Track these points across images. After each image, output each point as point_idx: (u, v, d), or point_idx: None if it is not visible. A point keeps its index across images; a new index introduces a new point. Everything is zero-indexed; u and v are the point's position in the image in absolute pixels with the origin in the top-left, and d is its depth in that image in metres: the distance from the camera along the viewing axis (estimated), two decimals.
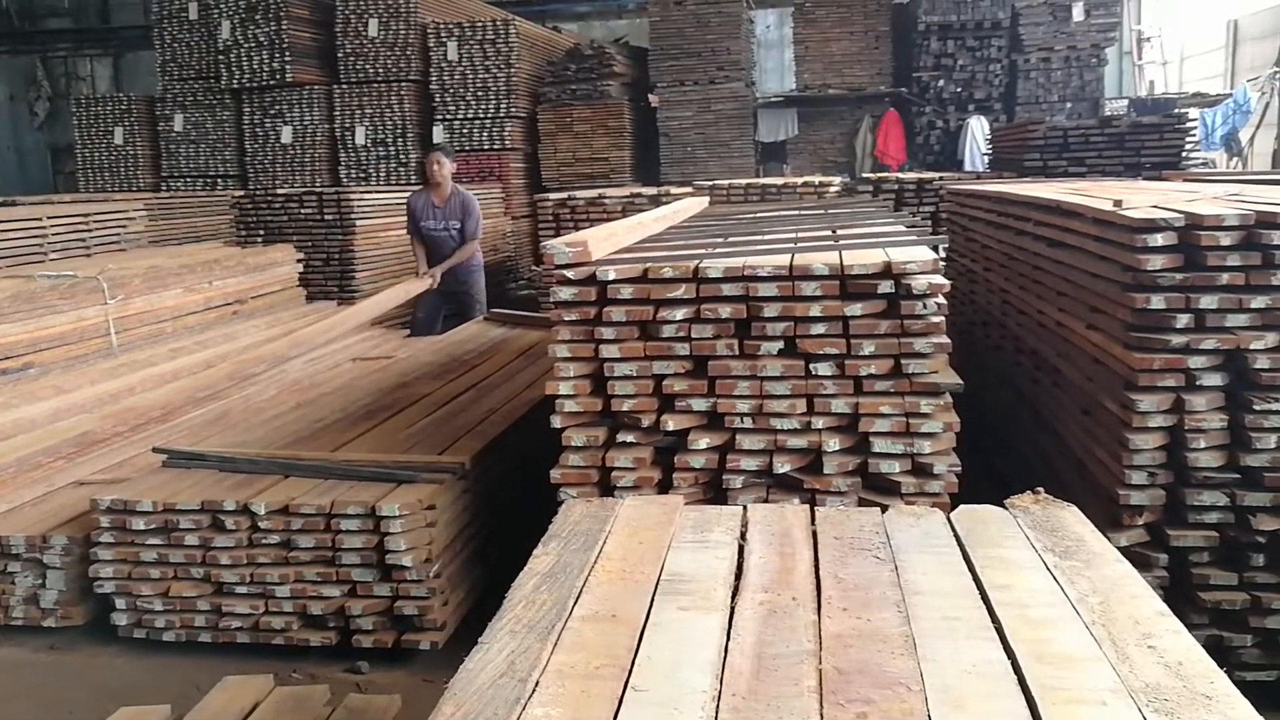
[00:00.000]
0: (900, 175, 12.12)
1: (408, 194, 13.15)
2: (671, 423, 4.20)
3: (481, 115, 16.58)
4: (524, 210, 15.97)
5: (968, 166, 16.42)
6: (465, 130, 16.54)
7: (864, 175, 12.84)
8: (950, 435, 4.10)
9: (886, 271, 4.05)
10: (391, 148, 16.83)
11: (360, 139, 16.88)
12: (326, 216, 11.82)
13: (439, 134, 16.55)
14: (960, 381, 4.11)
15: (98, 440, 6.33)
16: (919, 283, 4.02)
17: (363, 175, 16.93)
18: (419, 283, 9.90)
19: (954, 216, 8.64)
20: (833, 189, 11.02)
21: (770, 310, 4.09)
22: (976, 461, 5.76)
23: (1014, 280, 6.28)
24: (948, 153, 17.39)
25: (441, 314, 10.10)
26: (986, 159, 15.31)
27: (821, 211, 7.57)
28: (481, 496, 5.15)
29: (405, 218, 10.52)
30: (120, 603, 4.86)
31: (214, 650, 4.75)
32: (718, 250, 4.74)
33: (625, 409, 4.25)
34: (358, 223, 11.84)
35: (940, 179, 11.11)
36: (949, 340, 4.09)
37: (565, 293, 4.27)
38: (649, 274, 4.19)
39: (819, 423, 4.10)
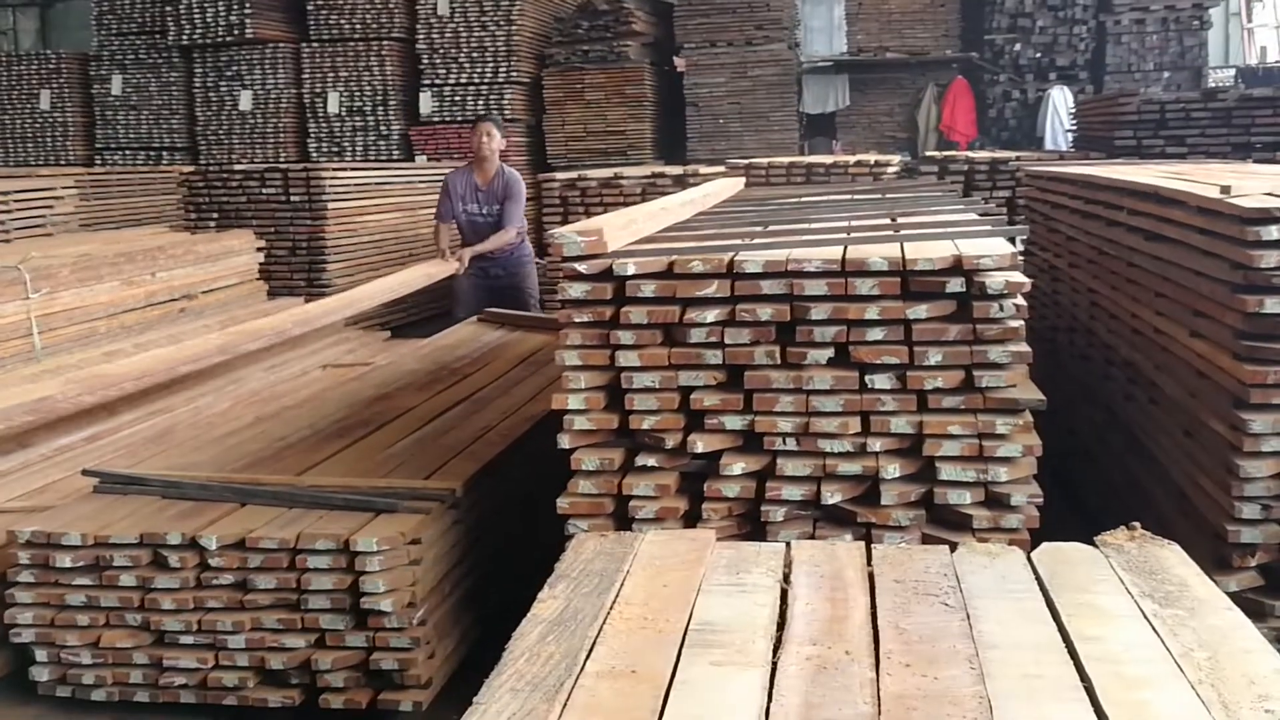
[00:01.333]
0: (970, 154, 12.13)
1: (388, 171, 13.24)
2: (701, 443, 4.20)
3: (476, 81, 16.65)
4: (527, 193, 16.02)
5: (1049, 145, 16.43)
6: (457, 98, 16.61)
7: (928, 154, 12.85)
8: (1030, 460, 4.10)
9: (956, 267, 4.05)
10: (370, 117, 16.90)
11: (333, 107, 16.95)
12: (293, 198, 11.85)
13: (427, 102, 16.62)
14: (1042, 397, 4.11)
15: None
16: (994, 280, 4.02)
17: (336, 149, 16.99)
18: (444, 266, 9.86)
19: (1033, 203, 8.64)
20: (891, 169, 11.04)
21: (818, 312, 4.09)
22: (1061, 491, 5.76)
23: (1104, 279, 6.28)
24: (1025, 128, 17.40)
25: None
26: (1070, 136, 15.31)
27: (878, 196, 7.57)
28: (475, 529, 5.15)
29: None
30: (41, 654, 4.80)
31: (153, 711, 4.70)
32: (756, 241, 4.75)
33: (646, 427, 4.25)
34: (330, 205, 11.87)
35: (1017, 159, 11.12)
36: (1029, 349, 4.09)
37: (576, 290, 4.28)
38: (675, 268, 4.20)
39: (876, 444, 4.10)
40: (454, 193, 10.03)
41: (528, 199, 14.20)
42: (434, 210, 10.42)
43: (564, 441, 4.33)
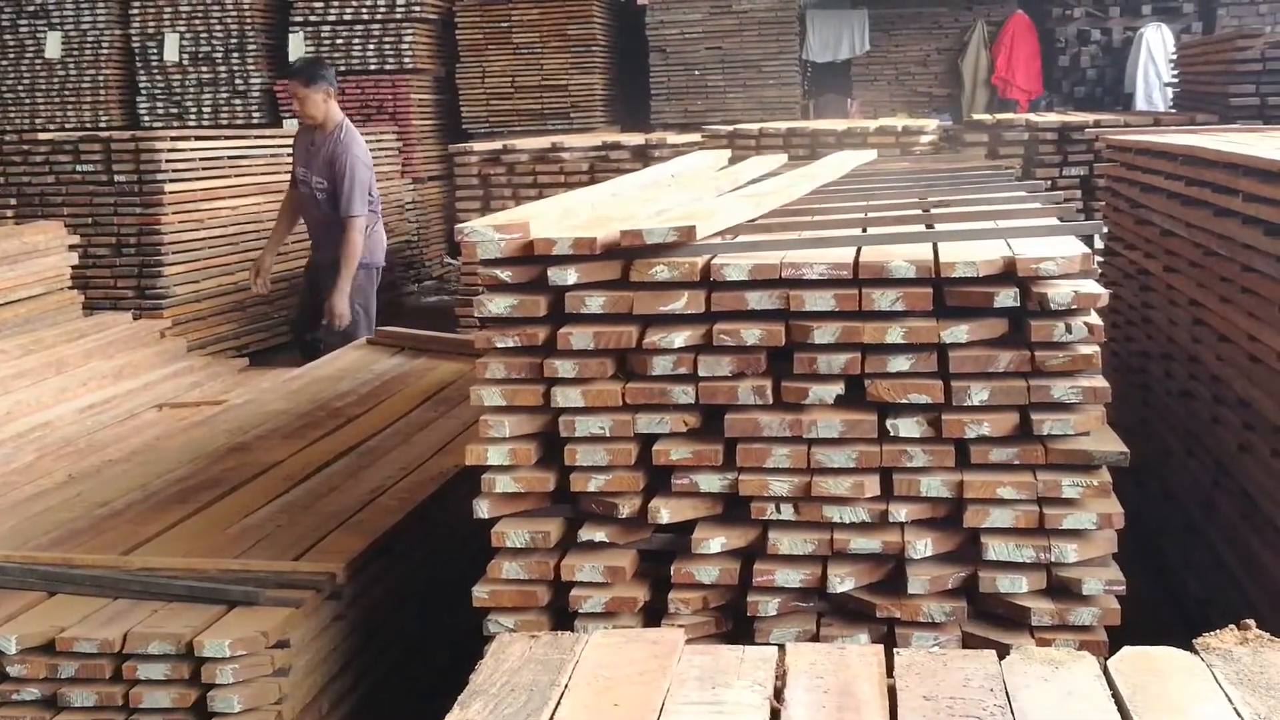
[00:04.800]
0: (1033, 117, 12.19)
1: (247, 141, 13.23)
2: (666, 511, 4.21)
3: (365, 18, 16.63)
4: (434, 169, 16.01)
5: (1140, 104, 16.51)
6: (340, 41, 16.60)
7: (975, 117, 12.91)
8: (1109, 535, 4.12)
9: (1008, 273, 4.08)
10: (221, 68, 16.86)
11: (171, 53, 16.92)
12: (117, 177, 11.81)
13: (298, 46, 16.60)
14: (1124, 449, 4.12)
15: None
16: (1060, 292, 4.04)
17: (175, 111, 16.95)
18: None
19: (1117, 186, 8.67)
20: (925, 139, 11.07)
21: (823, 334, 4.11)
22: (1152, 576, 5.79)
23: (1213, 288, 6.31)
24: (1109, 81, 17.48)
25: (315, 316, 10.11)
26: (1170, 92, 15.39)
27: (907, 175, 7.59)
28: (364, 626, 5.14)
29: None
30: None
31: None
32: (739, 238, 4.77)
33: (592, 489, 4.27)
34: (167, 187, 11.83)
35: (1096, 124, 11.16)
36: (1106, 384, 4.11)
37: (498, 304, 4.28)
38: (632, 274, 4.22)
39: (900, 512, 4.12)
40: (295, 151, 10.12)
41: (434, 176, 14.14)
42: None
43: (482, 510, 4.34)
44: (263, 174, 12.86)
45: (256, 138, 13.62)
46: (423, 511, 5.74)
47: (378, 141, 14.69)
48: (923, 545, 4.10)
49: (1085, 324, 4.08)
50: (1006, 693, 3.19)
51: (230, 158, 12.73)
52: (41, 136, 12.51)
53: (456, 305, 11.91)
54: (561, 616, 4.26)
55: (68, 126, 16.38)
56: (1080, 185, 10.53)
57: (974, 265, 4.08)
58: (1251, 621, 3.53)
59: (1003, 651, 3.50)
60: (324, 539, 5.36)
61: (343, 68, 16.46)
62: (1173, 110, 14.18)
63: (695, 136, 12.02)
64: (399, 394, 7.79)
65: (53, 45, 17.18)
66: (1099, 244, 8.37)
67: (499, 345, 4.29)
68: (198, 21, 16.78)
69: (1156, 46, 16.72)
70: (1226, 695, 3.15)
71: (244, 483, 6.17)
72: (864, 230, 4.86)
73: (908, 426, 4.11)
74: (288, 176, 12.61)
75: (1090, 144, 10.76)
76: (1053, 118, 11.98)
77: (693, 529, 4.22)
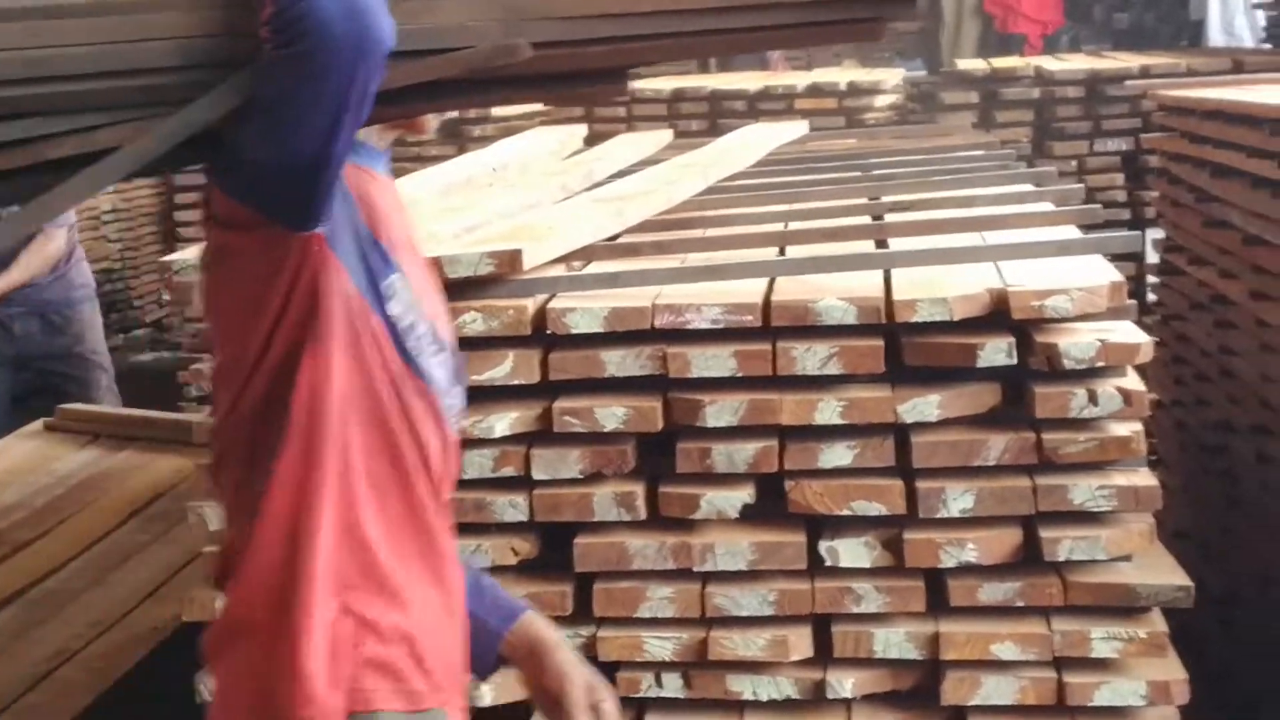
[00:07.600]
0: (1048, 63, 12.19)
1: None
2: (488, 688, 4.17)
3: None
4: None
5: (1215, 38, 16.62)
6: None
7: (958, 65, 12.95)
8: (1166, 714, 4.10)
9: (1000, 313, 4.08)
10: None
11: None
12: None
13: None
14: (1185, 581, 4.10)
15: None
16: (1077, 343, 4.04)
17: None
18: None
19: (1177, 169, 8.65)
20: (883, 101, 11.12)
21: (720, 412, 4.11)
22: None
23: None
24: (1166, 6, 17.59)
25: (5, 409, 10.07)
26: (1263, 17, 15.48)
27: (853, 160, 7.59)
28: None
29: None
30: None
31: None
32: (593, 267, 4.76)
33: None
34: None
35: (1144, 72, 11.17)
36: (1155, 482, 4.10)
37: None
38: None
39: (845, 684, 4.12)
40: None
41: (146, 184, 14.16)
42: None
43: (209, 686, 4.30)
44: None
45: None
46: (128, 688, 5.69)
47: None
48: None
49: (1119, 389, 4.06)
50: None
51: None
52: None
53: (180, 367, 11.88)
54: None
55: None
56: (1122, 167, 10.55)
57: (945, 303, 4.06)
58: None
59: None
60: None
61: None
62: (1266, 48, 14.27)
63: (534, 104, 12.07)
64: (92, 507, 7.73)
65: None
66: (1152, 257, 8.34)
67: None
68: None
69: None
70: None
71: None
72: (782, 251, 4.86)
73: (852, 551, 4.10)
74: None
75: (1136, 103, 10.73)
76: (1079, 63, 11.95)
77: (530, 714, 4.20)
